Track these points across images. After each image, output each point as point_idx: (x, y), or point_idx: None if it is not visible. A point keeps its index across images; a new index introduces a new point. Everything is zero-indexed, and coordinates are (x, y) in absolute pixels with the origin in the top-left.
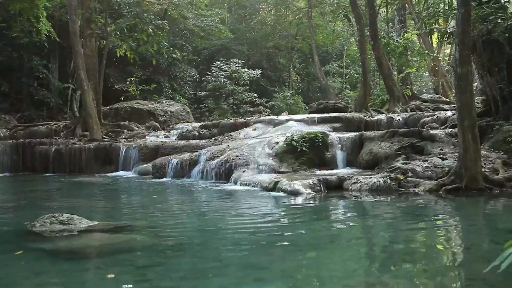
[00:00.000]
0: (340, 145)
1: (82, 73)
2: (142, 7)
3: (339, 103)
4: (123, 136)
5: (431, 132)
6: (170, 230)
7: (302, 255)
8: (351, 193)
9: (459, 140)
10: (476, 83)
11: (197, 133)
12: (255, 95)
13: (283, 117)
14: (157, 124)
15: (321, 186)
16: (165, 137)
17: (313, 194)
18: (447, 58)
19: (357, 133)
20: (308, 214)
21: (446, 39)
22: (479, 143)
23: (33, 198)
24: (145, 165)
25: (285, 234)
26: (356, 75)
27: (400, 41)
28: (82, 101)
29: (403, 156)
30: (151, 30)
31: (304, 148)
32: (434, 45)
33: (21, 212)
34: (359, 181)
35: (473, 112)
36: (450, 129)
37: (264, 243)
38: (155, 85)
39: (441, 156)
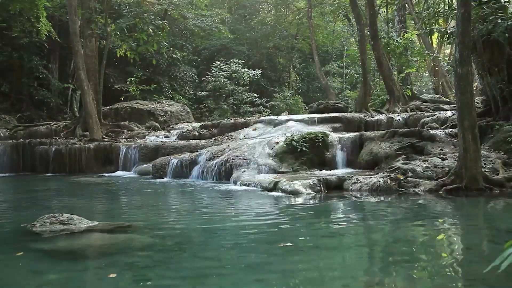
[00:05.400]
0: (340, 145)
1: (82, 73)
2: (142, 7)
3: (339, 103)
4: (123, 136)
5: (431, 132)
6: (170, 230)
7: (302, 255)
8: (351, 193)
9: (459, 140)
10: (476, 83)
11: (197, 133)
12: (255, 95)
13: (283, 117)
14: (157, 124)
15: (321, 186)
16: (165, 137)
17: (313, 194)
18: (447, 58)
19: (357, 133)
20: (308, 214)
21: (446, 39)
22: (479, 143)
23: (33, 198)
24: (145, 165)
25: (285, 234)
26: (356, 75)
27: (400, 41)
28: (82, 101)
29: (403, 156)
30: (151, 30)
31: (304, 148)
32: (434, 45)
33: (21, 212)
34: (359, 181)
35: (473, 112)
36: (450, 129)
37: (264, 243)
38: (155, 85)
39: (441, 156)
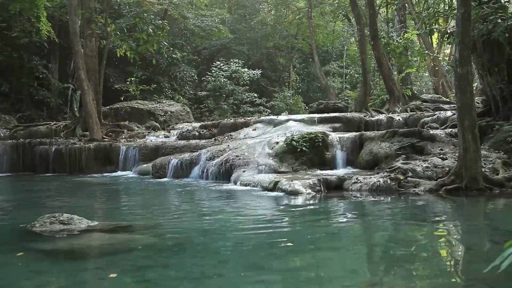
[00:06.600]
0: (340, 145)
1: (82, 73)
2: (142, 7)
3: (339, 103)
4: (123, 136)
5: (431, 132)
6: (170, 230)
7: (302, 255)
8: (351, 193)
9: (459, 140)
10: (476, 83)
11: (197, 133)
12: (255, 95)
13: (283, 117)
14: (157, 124)
15: (321, 186)
16: (165, 137)
17: (313, 194)
18: (447, 58)
19: (357, 133)
20: (308, 214)
21: (446, 39)
22: (479, 143)
23: (33, 198)
24: (145, 165)
25: (285, 234)
26: (356, 75)
27: (400, 41)
28: (82, 101)
29: (403, 156)
30: (151, 30)
31: (304, 148)
32: (434, 45)
33: (21, 212)
34: (359, 181)
35: (473, 112)
36: (450, 129)
37: (264, 243)
38: (155, 85)
39: (441, 156)
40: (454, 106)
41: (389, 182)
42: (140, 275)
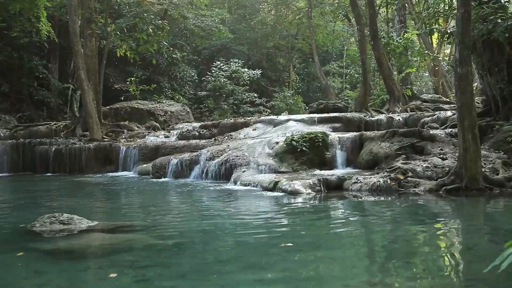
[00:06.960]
0: (340, 145)
1: (82, 73)
2: (142, 7)
3: (339, 103)
4: (123, 136)
5: (431, 132)
6: (170, 230)
7: (302, 255)
8: (351, 193)
9: (459, 140)
10: (476, 83)
11: (197, 133)
12: (255, 95)
13: (283, 117)
14: (157, 124)
15: (321, 186)
16: (165, 137)
17: (313, 194)
18: (447, 58)
19: (357, 133)
20: (308, 214)
21: (446, 39)
22: (479, 143)
23: (33, 198)
24: (145, 165)
25: (285, 234)
26: (356, 75)
27: (400, 41)
28: (82, 101)
29: (403, 156)
30: (151, 30)
31: (304, 148)
32: (434, 45)
33: (21, 212)
34: (359, 181)
35: (473, 112)
36: (450, 129)
37: (264, 243)
38: (155, 85)
39: (441, 156)
40: (454, 106)
41: (389, 182)
42: (140, 275)
